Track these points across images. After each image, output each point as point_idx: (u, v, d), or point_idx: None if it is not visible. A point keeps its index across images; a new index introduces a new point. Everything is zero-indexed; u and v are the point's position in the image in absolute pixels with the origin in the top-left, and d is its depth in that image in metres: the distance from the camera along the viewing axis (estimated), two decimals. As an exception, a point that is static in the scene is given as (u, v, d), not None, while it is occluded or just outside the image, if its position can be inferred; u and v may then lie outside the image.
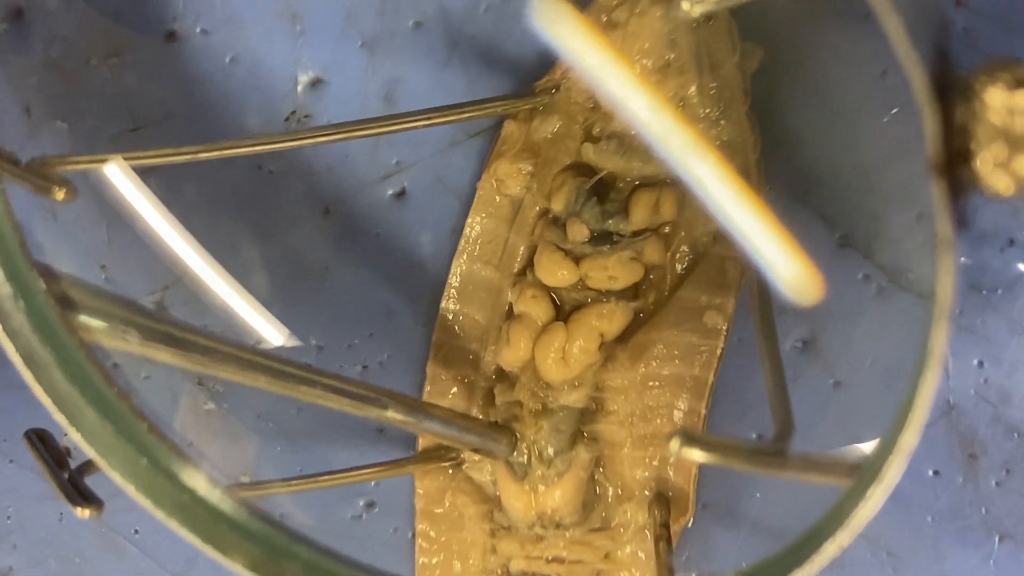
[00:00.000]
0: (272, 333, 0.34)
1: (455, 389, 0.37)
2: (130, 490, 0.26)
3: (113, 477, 0.26)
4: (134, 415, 0.26)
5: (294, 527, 0.27)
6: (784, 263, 0.22)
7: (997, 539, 0.35)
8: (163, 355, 0.28)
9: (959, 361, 0.34)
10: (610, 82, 0.21)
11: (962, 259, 0.33)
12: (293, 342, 0.35)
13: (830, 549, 0.22)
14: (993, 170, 0.20)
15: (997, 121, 0.20)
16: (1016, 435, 0.34)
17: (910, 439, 0.21)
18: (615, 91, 0.21)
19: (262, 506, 0.27)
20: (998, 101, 0.20)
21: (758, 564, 0.24)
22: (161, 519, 0.26)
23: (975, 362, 0.34)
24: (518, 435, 0.35)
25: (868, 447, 0.23)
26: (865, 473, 0.22)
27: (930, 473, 0.35)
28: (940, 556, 0.36)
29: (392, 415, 0.31)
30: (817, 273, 0.22)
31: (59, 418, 0.26)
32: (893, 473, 0.22)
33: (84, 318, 0.27)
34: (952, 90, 0.20)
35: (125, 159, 0.33)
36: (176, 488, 0.26)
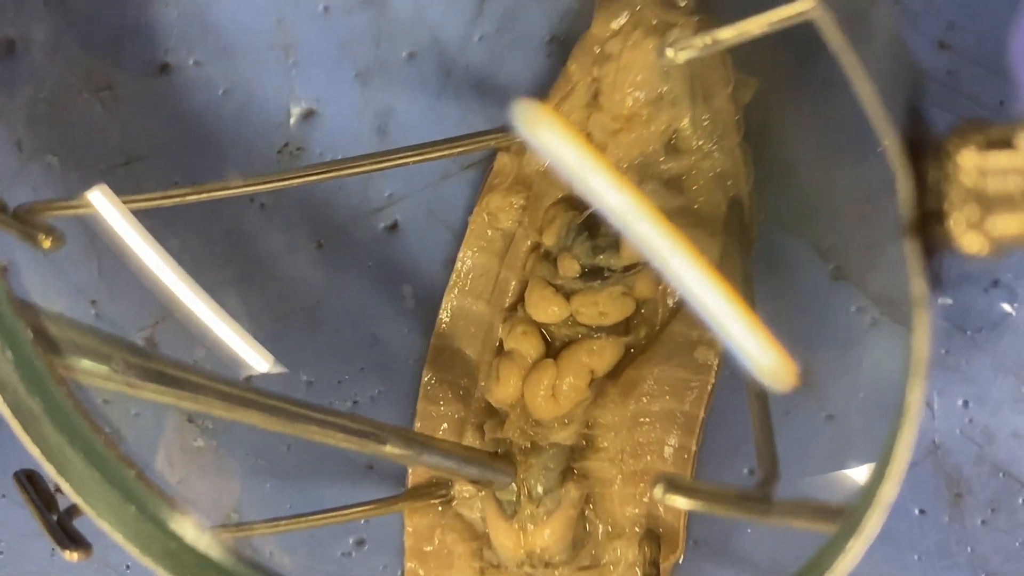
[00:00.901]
0: (257, 360, 0.34)
1: (445, 425, 0.37)
2: (118, 538, 0.26)
3: (101, 525, 0.26)
4: (122, 462, 0.26)
5: (283, 568, 0.27)
6: (760, 353, 0.22)
7: None
8: (156, 394, 0.28)
9: (944, 401, 0.34)
10: (590, 181, 0.22)
11: (947, 300, 0.33)
12: (279, 368, 0.35)
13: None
14: (966, 231, 0.20)
15: (969, 183, 0.20)
16: (1001, 474, 0.34)
17: (889, 492, 0.22)
18: (596, 190, 0.22)
19: (250, 547, 0.27)
20: (970, 163, 0.20)
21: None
22: (149, 566, 0.26)
23: (960, 402, 0.34)
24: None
25: (855, 485, 0.23)
26: (845, 525, 0.22)
27: (916, 512, 0.35)
28: None
29: (391, 450, 0.30)
30: (791, 362, 0.22)
31: (48, 468, 0.26)
32: (873, 525, 0.22)
33: (73, 359, 0.27)
34: (925, 150, 0.21)
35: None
36: (163, 535, 0.26)
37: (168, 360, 0.28)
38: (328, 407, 0.30)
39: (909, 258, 0.21)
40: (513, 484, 0.35)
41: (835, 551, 0.22)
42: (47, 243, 0.31)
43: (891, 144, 0.20)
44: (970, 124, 0.20)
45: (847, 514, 0.23)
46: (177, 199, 0.33)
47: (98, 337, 0.28)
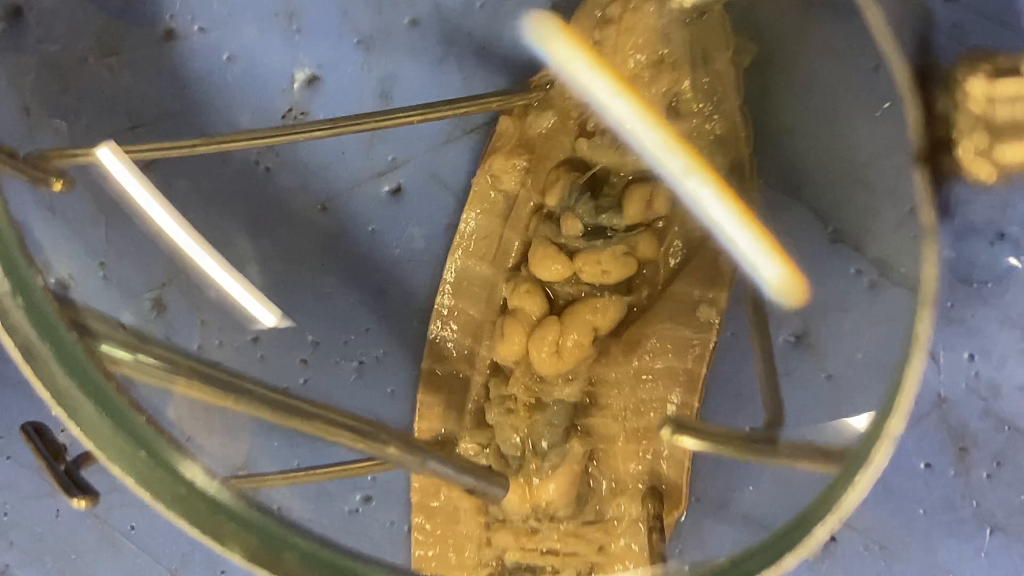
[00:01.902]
0: (265, 314, 0.34)
1: (450, 384, 0.37)
2: (129, 482, 0.26)
3: (112, 470, 0.26)
4: (133, 408, 0.26)
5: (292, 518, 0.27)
6: (769, 267, 0.22)
7: (988, 531, 0.35)
8: (162, 382, 0.28)
9: (950, 355, 0.34)
10: (600, 91, 0.22)
11: (951, 253, 0.33)
12: (287, 322, 0.35)
13: (820, 533, 0.23)
14: (975, 159, 0.20)
15: (978, 110, 0.20)
16: (1007, 428, 0.34)
17: (897, 424, 0.22)
18: (605, 100, 0.22)
19: (259, 499, 0.27)
20: (979, 90, 0.20)
21: (750, 549, 0.24)
22: (160, 511, 0.26)
23: (966, 355, 0.34)
24: (514, 431, 0.35)
25: (858, 433, 0.23)
26: (853, 459, 0.23)
27: (921, 466, 0.35)
28: (932, 549, 0.36)
29: (394, 452, 0.30)
30: (802, 276, 0.22)
31: (58, 412, 0.26)
32: (881, 458, 0.22)
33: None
34: (934, 80, 0.21)
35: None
36: (174, 480, 0.26)
37: (178, 349, 0.28)
38: (335, 407, 0.30)
39: (918, 186, 0.20)
40: (518, 440, 0.35)
41: (843, 484, 0.22)
42: (58, 186, 0.31)
43: (899, 71, 0.20)
44: (978, 52, 0.21)
45: (854, 449, 0.23)
46: (185, 150, 0.33)
47: (101, 318, 0.28)
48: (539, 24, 0.22)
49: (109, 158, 0.32)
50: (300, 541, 0.27)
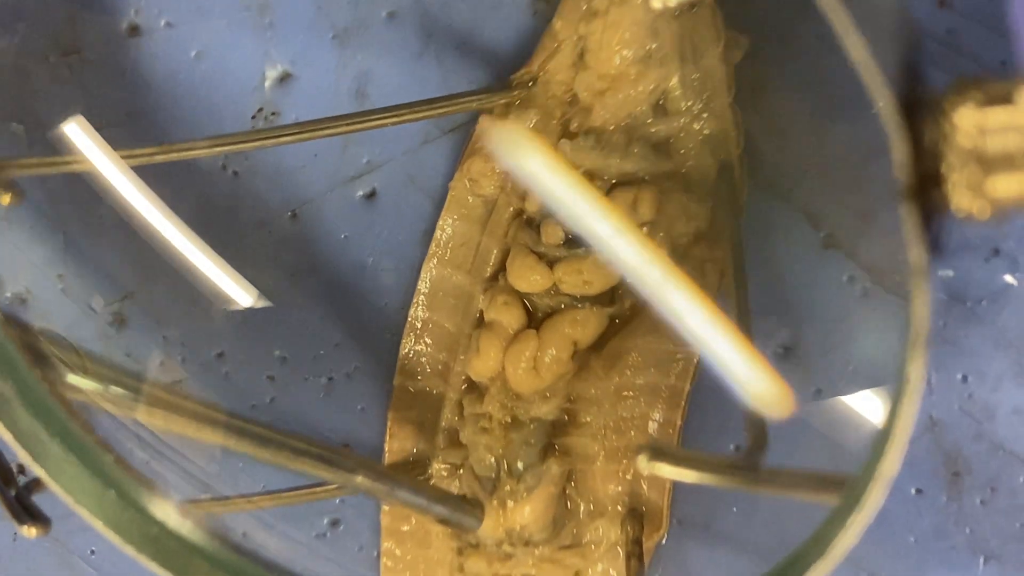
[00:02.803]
0: (240, 294, 0.33)
1: (423, 401, 0.36)
2: (98, 525, 0.26)
3: (80, 512, 0.26)
4: (100, 447, 0.26)
5: (262, 551, 0.27)
6: (753, 380, 0.23)
7: (982, 560, 0.34)
8: (125, 410, 0.28)
9: (942, 375, 0.34)
10: (574, 206, 0.22)
11: (948, 272, 0.33)
12: (263, 302, 0.34)
13: (811, 577, 0.23)
14: (965, 193, 0.20)
15: (967, 143, 0.19)
16: (1001, 452, 0.34)
17: (890, 467, 0.21)
18: (580, 216, 0.23)
19: (224, 523, 0.26)
20: (968, 122, 0.19)
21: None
22: (130, 553, 0.26)
23: (959, 376, 0.34)
24: (489, 451, 0.34)
25: (846, 457, 0.23)
26: (845, 501, 0.22)
27: (913, 491, 0.35)
28: None
29: (361, 481, 0.30)
30: (787, 388, 0.23)
31: (22, 455, 0.26)
32: (874, 501, 0.22)
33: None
34: (922, 110, 0.20)
35: (60, 163, 0.32)
36: (144, 520, 0.26)
37: (140, 376, 0.28)
38: (301, 435, 0.30)
39: (907, 224, 0.20)
40: (493, 460, 0.34)
41: (835, 527, 0.22)
42: (7, 199, 0.31)
43: (885, 104, 0.19)
44: (968, 81, 0.20)
45: (847, 486, 0.23)
46: (143, 159, 0.32)
47: (53, 341, 0.27)
48: (508, 137, 0.22)
49: (76, 132, 0.31)
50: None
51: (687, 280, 0.22)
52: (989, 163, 0.19)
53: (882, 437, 0.21)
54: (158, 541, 0.26)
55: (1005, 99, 0.19)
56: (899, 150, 0.20)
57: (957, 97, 0.20)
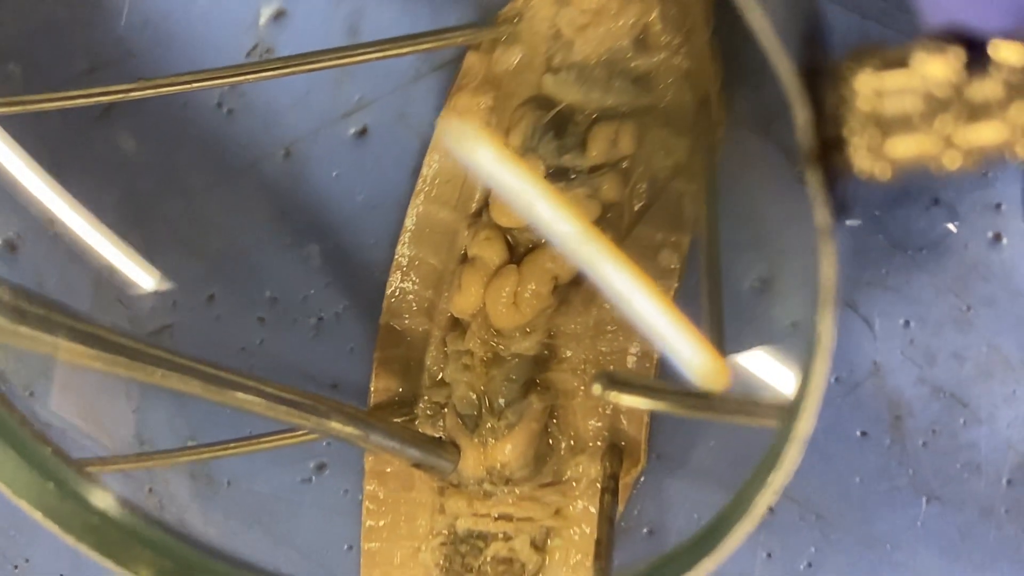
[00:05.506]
0: (142, 276, 0.33)
1: (409, 339, 0.36)
2: (37, 516, 0.26)
3: (20, 505, 0.26)
4: (37, 440, 0.26)
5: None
6: (692, 354, 0.24)
7: (924, 500, 0.35)
8: (88, 359, 0.27)
9: (885, 321, 0.34)
10: (521, 195, 0.24)
11: (887, 218, 0.33)
12: (166, 284, 0.35)
13: (730, 543, 0.23)
14: (866, 156, 0.20)
15: (866, 107, 0.20)
16: (943, 395, 0.34)
17: (805, 427, 0.22)
18: (529, 204, 0.24)
19: (209, 469, 0.26)
20: (866, 86, 0.20)
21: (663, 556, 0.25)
22: (71, 543, 0.26)
23: (901, 322, 0.34)
24: (470, 388, 0.34)
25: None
26: (763, 461, 0.23)
27: (858, 434, 0.35)
28: (868, 518, 0.35)
29: (335, 426, 0.30)
30: (723, 362, 0.24)
31: None
32: (791, 461, 0.22)
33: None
34: (823, 77, 0.21)
35: (52, 99, 0.32)
36: (85, 510, 0.26)
37: (102, 324, 0.27)
38: (274, 382, 0.30)
39: (811, 187, 0.21)
40: (474, 397, 0.34)
41: (756, 485, 0.23)
42: None
43: (786, 73, 0.20)
44: (866, 47, 0.21)
45: (764, 454, 0.23)
46: (119, 95, 0.32)
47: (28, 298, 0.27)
48: (459, 132, 0.23)
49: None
50: (217, 565, 0.27)
51: (623, 257, 0.24)
52: (888, 125, 0.20)
53: (797, 398, 0.22)
54: (99, 530, 0.26)
55: (901, 63, 0.20)
56: (801, 116, 0.20)
57: (855, 63, 0.20)
